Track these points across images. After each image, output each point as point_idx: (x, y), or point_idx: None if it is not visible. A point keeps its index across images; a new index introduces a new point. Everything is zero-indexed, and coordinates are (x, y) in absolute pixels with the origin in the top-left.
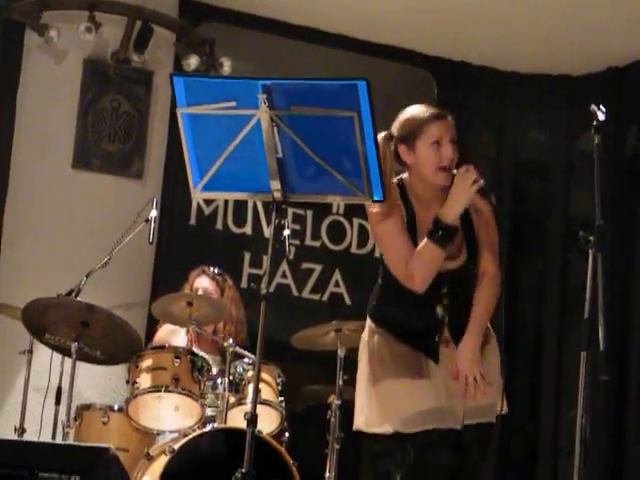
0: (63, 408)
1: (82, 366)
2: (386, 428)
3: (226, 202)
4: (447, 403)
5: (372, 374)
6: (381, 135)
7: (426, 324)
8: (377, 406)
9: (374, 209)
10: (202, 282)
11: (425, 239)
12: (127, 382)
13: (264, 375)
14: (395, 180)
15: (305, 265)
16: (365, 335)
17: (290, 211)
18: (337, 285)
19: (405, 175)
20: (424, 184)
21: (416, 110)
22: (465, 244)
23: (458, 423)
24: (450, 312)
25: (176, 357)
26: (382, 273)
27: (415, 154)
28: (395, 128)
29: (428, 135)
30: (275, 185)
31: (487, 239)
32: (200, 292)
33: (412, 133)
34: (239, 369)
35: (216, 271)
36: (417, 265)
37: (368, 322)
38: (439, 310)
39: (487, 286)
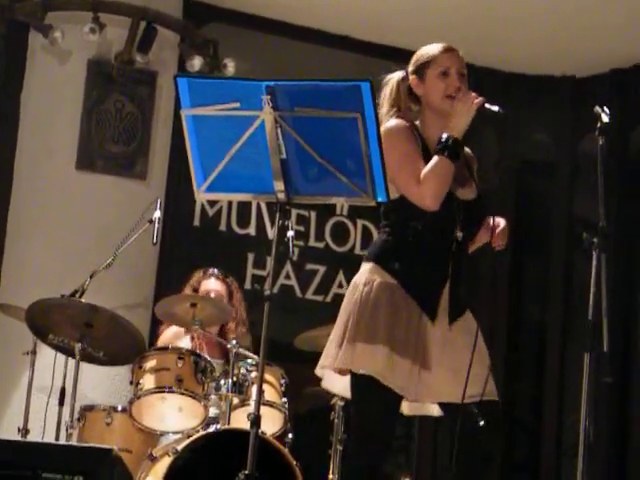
0: (67, 409)
1: (85, 367)
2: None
3: (230, 203)
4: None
5: (356, 325)
6: (398, 74)
7: (440, 249)
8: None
9: (391, 128)
10: (211, 284)
11: (434, 157)
12: (130, 383)
13: (268, 376)
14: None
15: (309, 266)
16: (361, 278)
17: (294, 212)
18: (341, 286)
19: (417, 122)
20: (434, 119)
21: (428, 45)
22: (473, 182)
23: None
24: (460, 243)
25: (179, 358)
26: (395, 219)
27: (425, 84)
28: (410, 64)
29: (437, 65)
30: (279, 186)
31: None
32: (212, 295)
33: (423, 64)
34: (243, 370)
35: (223, 273)
36: (429, 180)
37: (369, 266)
38: (459, 235)
39: None
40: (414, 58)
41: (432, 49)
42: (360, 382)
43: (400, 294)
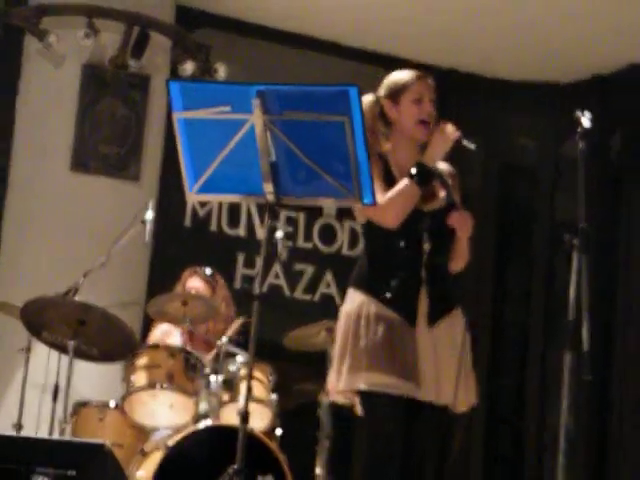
0: (60, 405)
1: (79, 364)
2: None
3: (220, 204)
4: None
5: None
6: (368, 97)
7: (411, 263)
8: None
9: None
10: (194, 283)
11: (404, 178)
12: (123, 380)
13: (256, 373)
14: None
15: (297, 266)
16: (346, 307)
17: (283, 213)
18: (328, 286)
19: (387, 146)
20: (403, 142)
21: (401, 72)
22: (442, 194)
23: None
24: (431, 247)
25: (170, 355)
26: (366, 241)
27: (399, 108)
28: (382, 89)
29: (411, 91)
30: (268, 188)
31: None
32: (193, 292)
33: (397, 90)
34: (232, 368)
35: (207, 271)
36: (393, 200)
37: (350, 291)
38: (426, 246)
39: None
40: (386, 83)
41: (406, 76)
42: (360, 398)
43: (379, 308)
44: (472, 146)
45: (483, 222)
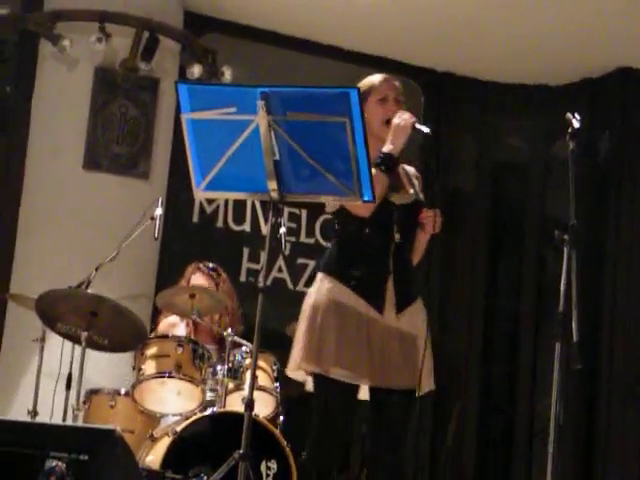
0: (73, 392)
1: (91, 353)
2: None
3: (226, 201)
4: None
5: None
6: None
7: (382, 245)
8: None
9: None
10: (197, 279)
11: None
12: (133, 368)
13: (261, 363)
14: None
15: (300, 260)
16: (314, 288)
17: (286, 210)
18: None
19: None
20: (374, 142)
21: (371, 76)
22: (409, 189)
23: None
24: (400, 238)
25: (179, 345)
26: (337, 229)
27: (367, 109)
28: None
29: (377, 92)
30: (272, 186)
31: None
32: None
33: (365, 92)
34: (238, 357)
35: (210, 266)
36: None
37: (319, 275)
38: (396, 237)
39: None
40: (358, 87)
41: (373, 79)
42: (315, 380)
43: (347, 294)
44: (425, 129)
45: (477, 218)
